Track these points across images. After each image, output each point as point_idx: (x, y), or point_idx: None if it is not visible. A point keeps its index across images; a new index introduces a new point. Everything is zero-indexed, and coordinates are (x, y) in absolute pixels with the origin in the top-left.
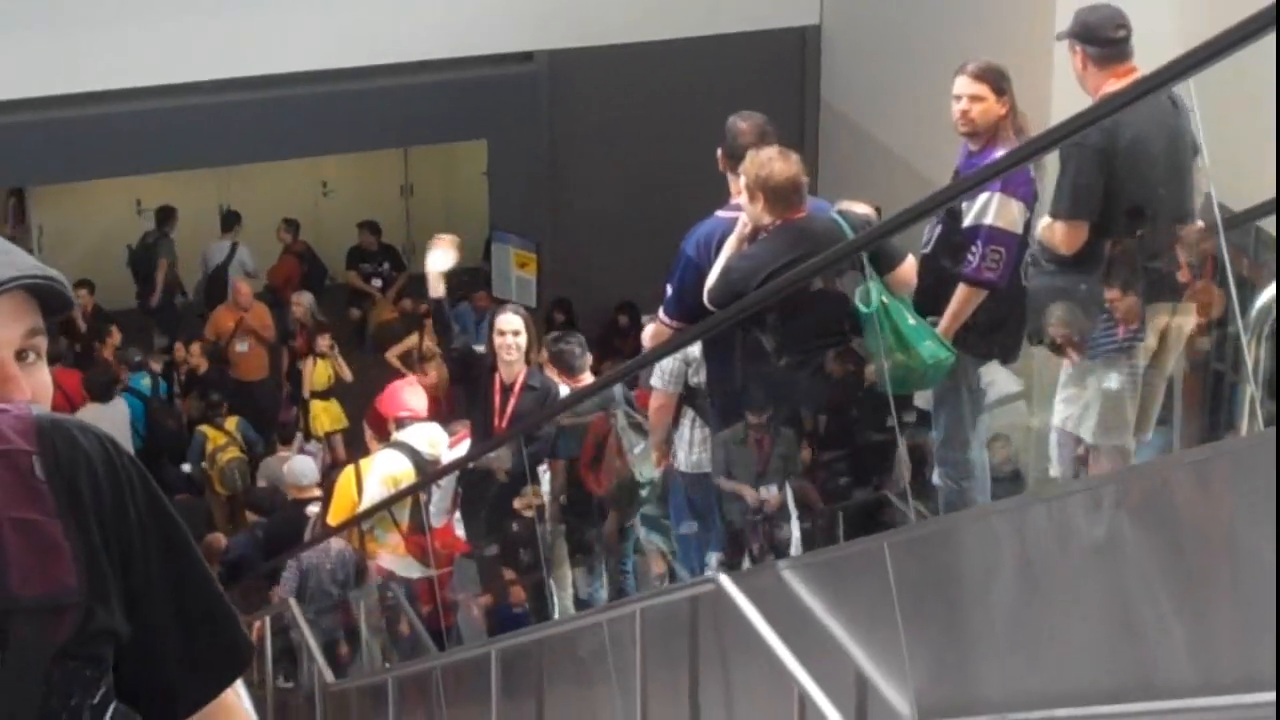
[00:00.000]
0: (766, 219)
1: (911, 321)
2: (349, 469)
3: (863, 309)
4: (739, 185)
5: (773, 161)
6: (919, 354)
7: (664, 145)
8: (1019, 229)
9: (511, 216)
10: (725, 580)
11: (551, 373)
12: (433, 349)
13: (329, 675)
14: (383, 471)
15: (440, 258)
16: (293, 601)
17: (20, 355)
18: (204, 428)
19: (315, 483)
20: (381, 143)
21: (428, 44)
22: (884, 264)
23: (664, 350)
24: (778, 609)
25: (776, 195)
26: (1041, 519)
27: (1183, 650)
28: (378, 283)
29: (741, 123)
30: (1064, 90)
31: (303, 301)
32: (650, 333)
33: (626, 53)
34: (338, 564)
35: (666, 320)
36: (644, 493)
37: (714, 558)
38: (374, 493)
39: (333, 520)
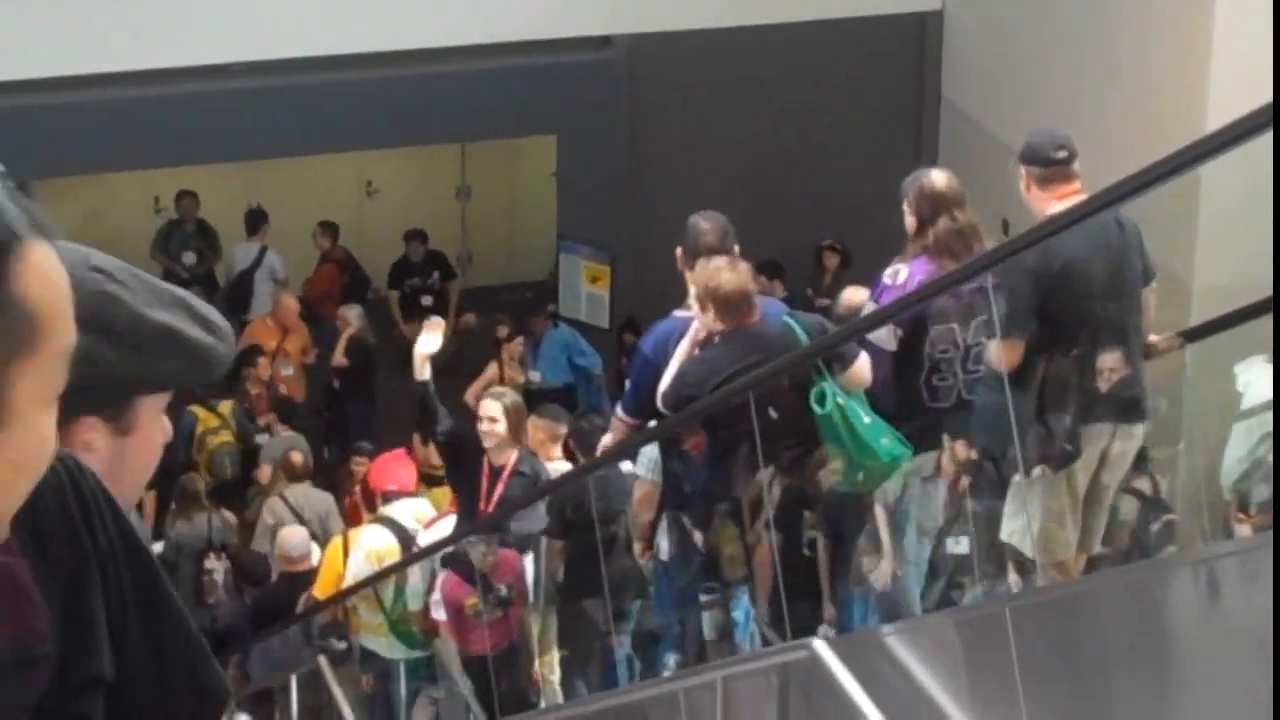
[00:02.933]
0: (718, 326)
1: (866, 420)
2: (337, 540)
3: (818, 410)
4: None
5: (721, 272)
6: (875, 452)
7: (759, 146)
8: (884, 344)
9: (582, 224)
10: (822, 646)
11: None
12: (514, 380)
13: None
14: (366, 547)
15: (431, 341)
16: (323, 660)
17: None
18: (195, 408)
19: (306, 555)
20: (435, 137)
21: (491, 26)
22: (838, 364)
23: (618, 449)
24: (882, 680)
25: (726, 305)
26: (1185, 584)
27: None
28: (429, 299)
29: (704, 223)
30: (1222, 88)
31: (350, 318)
32: (613, 427)
33: (718, 39)
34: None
35: (623, 417)
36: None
37: (671, 658)
38: (357, 569)
39: (319, 593)
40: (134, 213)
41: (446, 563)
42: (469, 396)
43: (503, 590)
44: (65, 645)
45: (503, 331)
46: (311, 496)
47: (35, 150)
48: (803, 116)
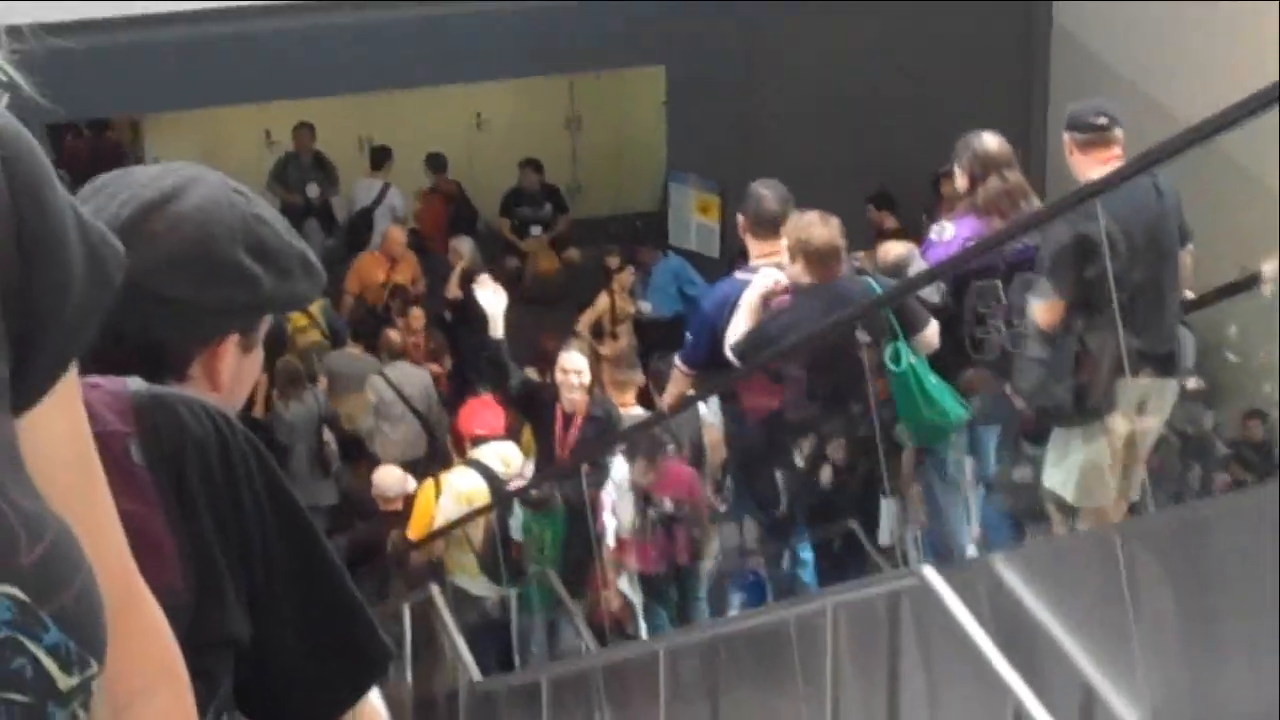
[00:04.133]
0: (805, 279)
1: (933, 380)
2: (429, 482)
3: (894, 368)
4: (760, 249)
5: (813, 226)
6: (945, 411)
7: (873, 74)
8: (928, 297)
9: (693, 154)
10: (931, 573)
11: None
12: (625, 310)
13: (475, 673)
14: (456, 490)
15: (497, 299)
16: (435, 589)
17: None
18: None
19: (401, 495)
20: (545, 69)
21: None
22: (911, 326)
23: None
24: (991, 608)
25: (817, 258)
26: None
27: None
28: (538, 230)
29: (765, 190)
30: None
31: (463, 250)
32: (672, 377)
33: None
34: None
35: (683, 368)
36: None
37: (737, 599)
38: (447, 511)
39: (412, 534)
40: (246, 147)
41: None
42: (581, 327)
43: (666, 505)
44: (197, 600)
45: (613, 262)
46: (410, 373)
47: (148, 85)
48: (914, 44)
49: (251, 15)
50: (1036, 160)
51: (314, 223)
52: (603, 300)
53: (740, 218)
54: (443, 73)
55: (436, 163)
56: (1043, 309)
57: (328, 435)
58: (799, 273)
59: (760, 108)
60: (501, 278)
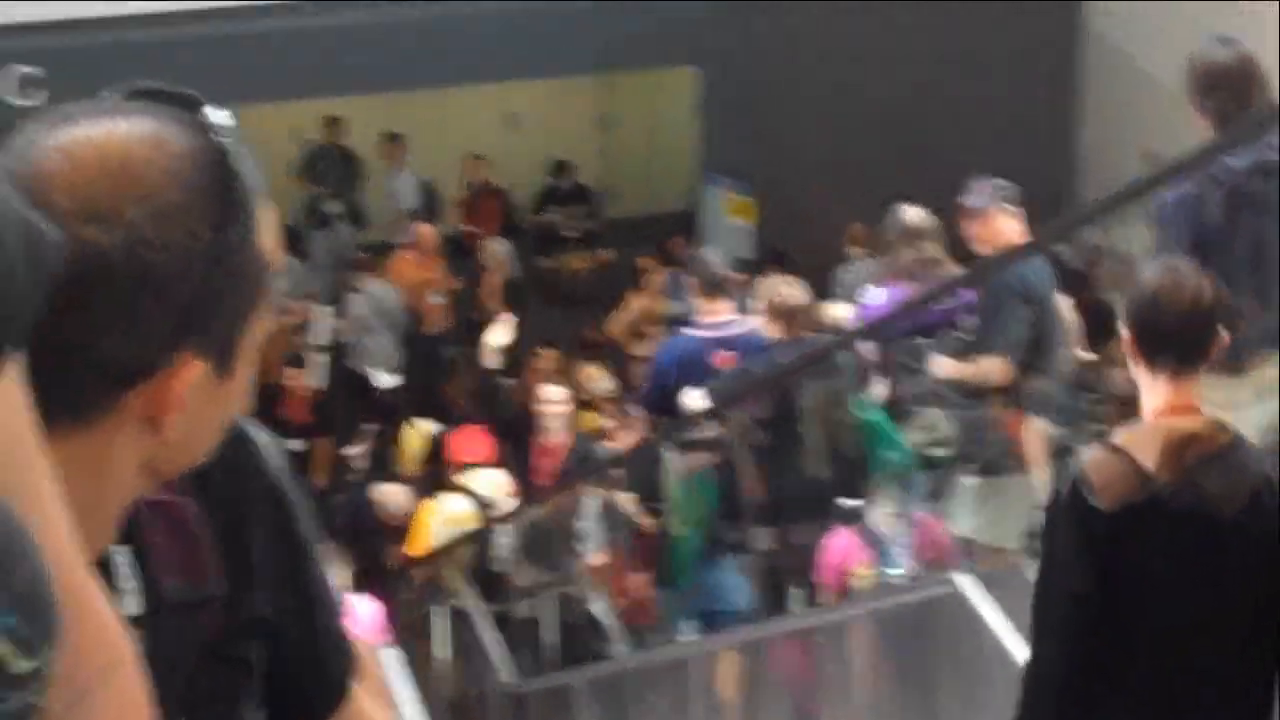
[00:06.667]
0: (777, 335)
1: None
2: (432, 503)
3: (868, 417)
4: (707, 307)
5: (782, 287)
6: (908, 452)
7: (904, 77)
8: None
9: (725, 155)
10: (965, 581)
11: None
12: (658, 311)
13: (507, 676)
14: (445, 513)
15: (501, 334)
16: (468, 593)
17: None
18: None
19: (405, 514)
20: (577, 68)
21: None
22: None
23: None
24: (1024, 612)
25: (790, 315)
26: None
27: None
28: (571, 231)
29: (710, 256)
30: None
31: (495, 250)
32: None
33: None
34: None
35: (636, 411)
36: None
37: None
38: (437, 533)
39: (410, 550)
40: (273, 145)
41: (842, 518)
42: (616, 330)
43: (900, 568)
44: (230, 588)
45: (645, 263)
46: (382, 291)
47: (181, 84)
48: (944, 47)
49: (280, 12)
50: (1069, 159)
51: (339, 216)
52: (635, 302)
53: (691, 279)
54: (474, 71)
55: (483, 163)
56: (1001, 368)
57: None
58: (775, 329)
59: (793, 109)
60: (535, 279)
